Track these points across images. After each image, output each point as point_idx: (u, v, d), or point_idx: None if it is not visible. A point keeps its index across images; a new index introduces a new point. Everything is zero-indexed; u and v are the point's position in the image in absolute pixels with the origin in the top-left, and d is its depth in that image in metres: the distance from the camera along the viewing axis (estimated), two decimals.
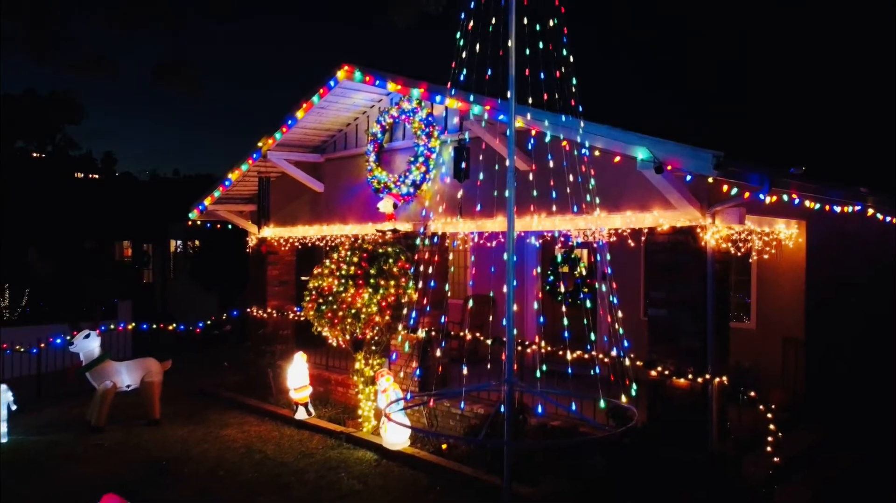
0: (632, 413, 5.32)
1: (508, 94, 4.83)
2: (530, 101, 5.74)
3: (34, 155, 26.81)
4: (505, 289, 4.54)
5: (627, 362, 7.09)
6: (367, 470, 8.21)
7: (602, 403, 4.68)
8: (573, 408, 4.69)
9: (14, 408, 9.56)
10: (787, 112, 17.09)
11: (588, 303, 7.20)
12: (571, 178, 6.74)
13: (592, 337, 6.23)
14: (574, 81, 5.33)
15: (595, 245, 8.64)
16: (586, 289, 10.86)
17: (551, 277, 11.31)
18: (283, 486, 7.68)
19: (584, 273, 10.98)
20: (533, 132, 7.22)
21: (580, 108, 5.44)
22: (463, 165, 7.91)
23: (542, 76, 5.40)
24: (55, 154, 26.64)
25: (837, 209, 8.26)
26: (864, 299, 9.95)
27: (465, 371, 5.44)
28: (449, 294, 10.20)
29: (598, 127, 6.67)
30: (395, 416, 8.63)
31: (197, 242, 22.15)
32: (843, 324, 9.52)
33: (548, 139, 7.08)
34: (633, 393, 5.69)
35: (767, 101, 18.08)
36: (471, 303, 11.88)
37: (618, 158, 6.83)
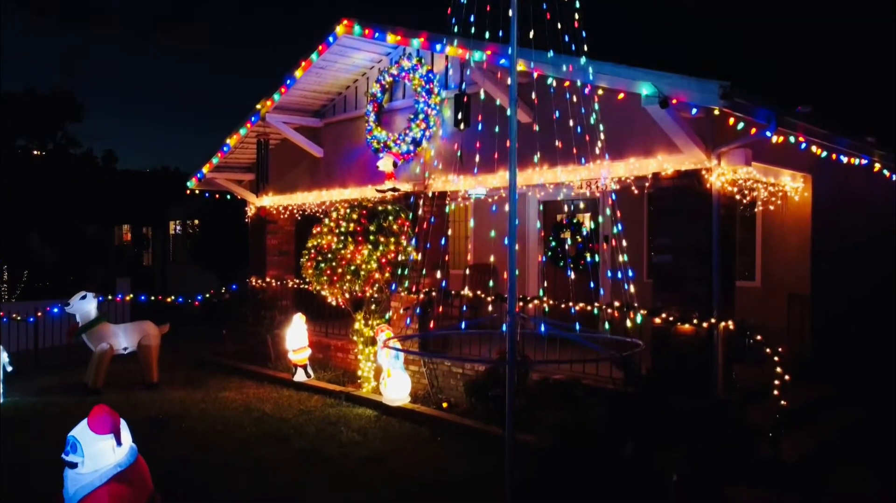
0: (635, 344, 5.22)
1: (510, 12, 4.71)
2: (532, 34, 5.63)
3: (35, 153, 26.73)
4: (506, 254, 4.43)
5: (631, 313, 6.97)
6: (367, 424, 8.10)
7: (607, 325, 4.57)
8: (577, 327, 4.55)
9: (10, 369, 9.45)
10: (792, 58, 16.75)
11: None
12: (573, 124, 6.63)
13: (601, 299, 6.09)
14: (577, 4, 5.21)
15: (598, 195, 8.52)
16: (588, 255, 10.75)
17: (553, 243, 11.18)
18: (283, 439, 7.57)
19: (586, 237, 10.86)
20: (535, 75, 7.09)
21: (584, 34, 5.32)
22: (464, 107, 7.75)
23: (545, 6, 5.30)
24: (56, 152, 26.56)
25: (844, 159, 8.14)
26: (868, 258, 9.84)
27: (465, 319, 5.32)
28: (449, 264, 10.13)
29: (601, 64, 6.54)
30: (395, 372, 8.55)
31: (196, 222, 22.05)
32: (848, 282, 9.40)
33: (549, 80, 6.97)
34: (640, 319, 5.56)
35: (771, 46, 17.62)
36: (470, 271, 11.79)
37: (622, 95, 6.69)
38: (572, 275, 10.08)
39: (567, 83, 6.93)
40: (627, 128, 7.25)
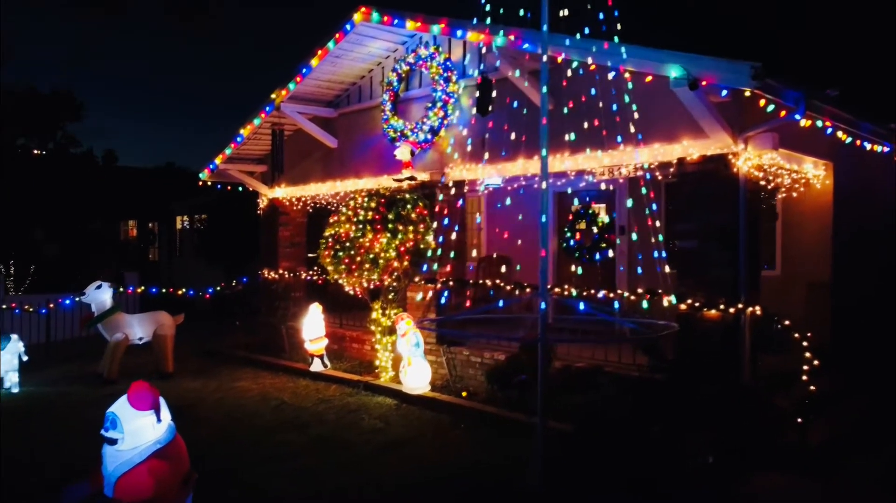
0: (670, 326, 5.18)
1: None
2: (563, 13, 5.59)
3: (35, 152, 26.65)
4: (521, 246, 4.40)
5: (663, 294, 6.91)
6: (388, 412, 8.06)
7: (645, 304, 4.53)
8: (616, 306, 4.51)
9: (25, 358, 9.41)
10: (814, 43, 16.50)
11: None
12: (602, 106, 6.57)
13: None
14: None
15: (621, 181, 8.45)
16: (604, 245, 10.71)
17: (569, 233, 11.13)
18: (303, 426, 7.53)
19: (602, 227, 10.80)
20: (560, 59, 7.04)
21: (616, 13, 5.28)
22: (491, 88, 7.65)
23: None
24: (56, 151, 26.49)
25: (867, 146, 8.09)
26: (882, 248, 9.78)
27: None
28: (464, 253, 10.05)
29: (629, 47, 6.47)
30: (416, 360, 8.51)
31: (203, 216, 22.00)
32: (867, 272, 9.35)
33: (575, 65, 6.91)
34: (674, 301, 5.51)
35: (794, 31, 17.28)
36: (485, 262, 11.74)
37: (649, 78, 6.63)
38: (597, 259, 10.04)
39: (593, 67, 6.89)
40: (651, 113, 7.18)
